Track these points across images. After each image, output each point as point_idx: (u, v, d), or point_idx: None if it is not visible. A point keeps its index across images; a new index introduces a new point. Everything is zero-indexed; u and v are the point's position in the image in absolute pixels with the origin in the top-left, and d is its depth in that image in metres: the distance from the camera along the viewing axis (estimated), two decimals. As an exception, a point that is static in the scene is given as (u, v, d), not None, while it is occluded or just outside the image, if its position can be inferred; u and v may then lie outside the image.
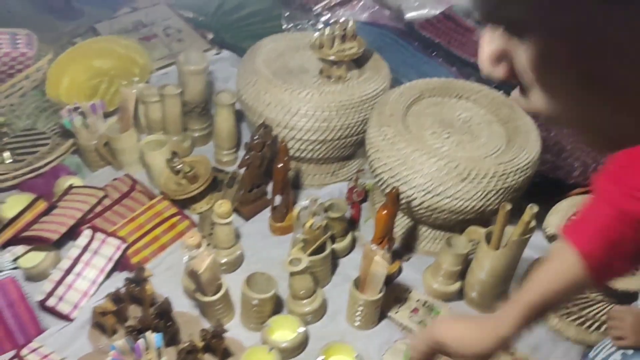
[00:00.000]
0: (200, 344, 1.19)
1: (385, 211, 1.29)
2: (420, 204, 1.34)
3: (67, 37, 2.18)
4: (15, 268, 1.25)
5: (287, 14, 2.22)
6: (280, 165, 1.46)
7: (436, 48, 2.02)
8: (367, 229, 1.57)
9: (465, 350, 0.81)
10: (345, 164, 1.71)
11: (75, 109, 1.62)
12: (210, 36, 2.21)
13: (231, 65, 2.12)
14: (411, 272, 1.47)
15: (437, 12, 2.14)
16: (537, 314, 0.79)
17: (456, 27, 2.09)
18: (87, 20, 2.31)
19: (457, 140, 1.42)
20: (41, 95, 1.81)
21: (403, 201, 1.35)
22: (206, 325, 1.31)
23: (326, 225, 1.39)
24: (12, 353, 1.23)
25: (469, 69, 1.91)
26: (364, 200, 1.64)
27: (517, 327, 0.78)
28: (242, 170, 1.55)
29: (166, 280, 1.41)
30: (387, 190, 1.32)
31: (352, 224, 1.57)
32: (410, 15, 2.17)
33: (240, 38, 2.24)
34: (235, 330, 1.31)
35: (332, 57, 1.56)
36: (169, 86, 1.68)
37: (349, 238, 1.50)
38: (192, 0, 2.41)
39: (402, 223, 1.48)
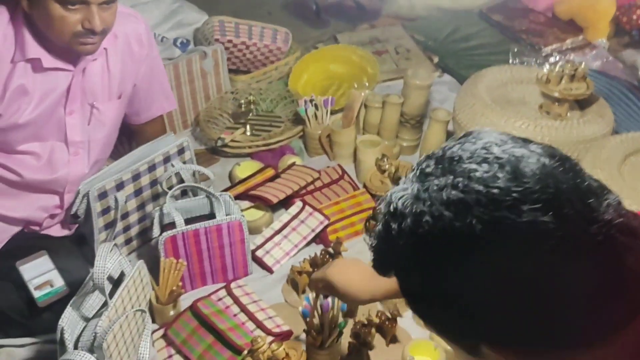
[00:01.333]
0: (376, 321, 1.31)
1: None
2: None
3: (312, 41, 2.50)
4: (241, 215, 1.50)
5: (516, 49, 2.27)
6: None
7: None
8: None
9: (346, 295, 1.05)
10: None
11: (311, 100, 1.87)
12: (435, 59, 2.35)
13: (449, 89, 2.24)
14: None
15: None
16: None
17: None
18: (331, 30, 2.61)
19: (675, 199, 1.35)
20: (284, 85, 2.11)
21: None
22: (380, 308, 1.43)
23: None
24: (222, 284, 1.48)
25: None
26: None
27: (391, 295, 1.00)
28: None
29: (353, 263, 1.57)
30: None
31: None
32: (646, 71, 2.09)
33: (462, 66, 2.35)
34: (407, 321, 1.41)
35: (556, 94, 1.58)
36: (392, 95, 1.86)
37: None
38: (425, 25, 2.59)
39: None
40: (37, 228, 1.49)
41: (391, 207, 0.58)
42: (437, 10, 2.65)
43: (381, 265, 0.63)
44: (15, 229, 1.47)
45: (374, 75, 2.15)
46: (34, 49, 1.29)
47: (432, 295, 0.58)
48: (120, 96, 1.46)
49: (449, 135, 1.85)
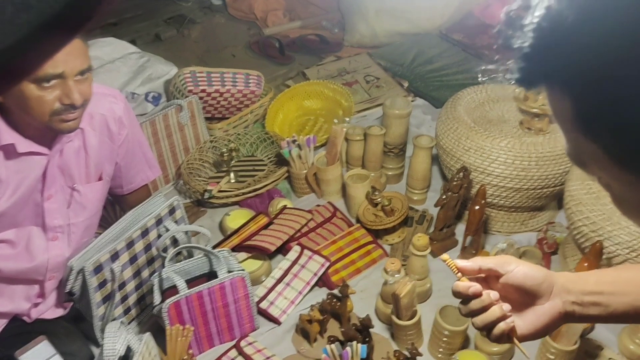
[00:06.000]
0: (395, 362, 1.29)
1: (586, 264, 1.30)
2: (623, 262, 1.33)
3: (280, 79, 2.50)
4: (242, 270, 1.46)
5: (483, 67, 2.32)
6: (477, 207, 1.54)
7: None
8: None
9: None
10: (536, 215, 1.73)
11: (293, 141, 1.86)
12: (405, 84, 2.38)
13: (423, 112, 2.27)
14: (603, 330, 1.44)
15: None
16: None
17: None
18: (297, 65, 2.62)
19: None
20: (261, 127, 2.09)
21: (604, 257, 1.35)
22: (394, 347, 1.41)
23: (519, 270, 1.42)
24: (232, 343, 1.44)
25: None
26: (554, 252, 1.64)
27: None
28: (435, 210, 1.65)
29: (359, 301, 1.54)
30: (585, 244, 1.33)
31: (542, 273, 1.58)
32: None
33: (432, 88, 2.39)
34: (423, 357, 1.39)
35: (535, 110, 1.61)
36: (373, 127, 1.86)
37: (539, 287, 1.51)
38: (390, 51, 2.62)
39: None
40: (26, 319, 1.41)
41: None
42: (398, 36, 2.69)
43: (546, 64, 0.45)
44: (3, 321, 1.39)
45: (349, 107, 2.16)
46: (7, 135, 1.22)
47: None
48: (101, 177, 1.40)
49: (434, 159, 1.87)
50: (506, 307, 0.74)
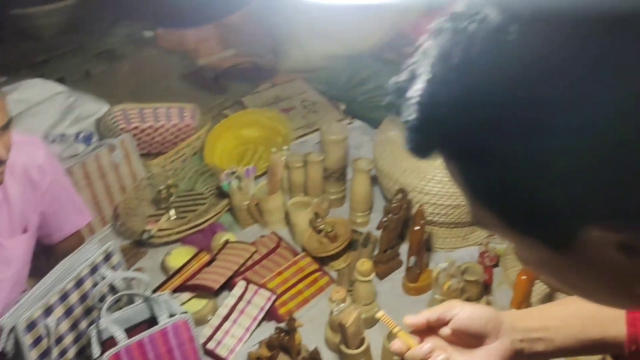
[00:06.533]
0: (347, 393, 1.27)
1: (524, 276, 1.33)
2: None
3: (217, 109, 2.48)
4: (184, 312, 1.42)
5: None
6: (417, 228, 1.56)
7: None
8: (499, 294, 1.60)
9: None
10: (476, 229, 1.76)
11: (232, 173, 1.83)
12: (342, 107, 2.40)
13: (362, 133, 2.29)
14: None
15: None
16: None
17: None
18: (233, 94, 2.60)
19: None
20: (200, 160, 2.06)
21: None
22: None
23: (463, 288, 1.45)
24: (179, 389, 1.39)
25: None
26: (496, 265, 1.68)
27: None
28: (378, 231, 1.66)
29: (308, 332, 1.53)
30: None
31: (486, 287, 1.61)
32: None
33: (368, 109, 2.41)
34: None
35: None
36: (312, 154, 1.86)
37: (483, 302, 1.54)
38: (324, 75, 2.64)
39: (538, 289, 1.50)
40: None
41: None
42: (332, 59, 2.72)
43: (430, 138, 0.46)
44: None
45: (287, 134, 2.15)
46: None
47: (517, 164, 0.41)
48: (26, 229, 1.34)
49: (374, 180, 1.88)
50: (427, 347, 0.77)
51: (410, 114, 0.45)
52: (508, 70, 0.40)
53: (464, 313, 0.76)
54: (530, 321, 0.78)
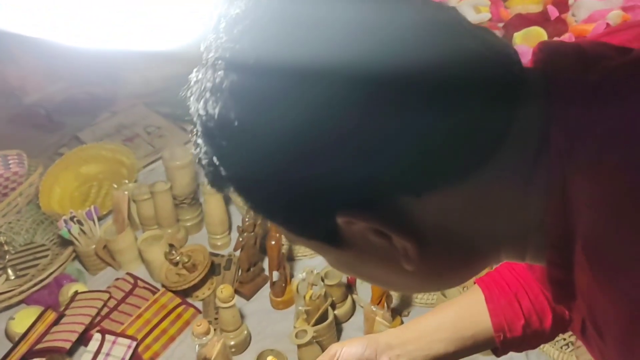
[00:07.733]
0: None
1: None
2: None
3: (53, 148, 2.29)
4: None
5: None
6: (273, 242, 1.54)
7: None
8: (363, 290, 1.63)
9: None
10: (334, 231, 1.79)
11: (72, 218, 1.70)
12: (189, 127, 2.33)
13: (212, 152, 2.23)
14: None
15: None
16: None
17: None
18: (70, 129, 2.42)
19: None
20: (36, 209, 1.89)
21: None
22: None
23: (325, 294, 1.46)
24: None
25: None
26: (357, 262, 1.72)
27: None
28: (238, 252, 1.63)
29: (179, 372, 1.46)
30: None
31: (349, 287, 1.63)
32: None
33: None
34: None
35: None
36: (158, 183, 1.78)
37: (348, 302, 1.56)
38: (167, 97, 2.55)
39: (396, 280, 1.56)
40: None
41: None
42: (172, 79, 2.62)
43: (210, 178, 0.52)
44: None
45: (131, 165, 2.04)
46: None
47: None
48: None
49: (227, 199, 1.84)
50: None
51: (198, 151, 0.52)
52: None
53: (344, 353, 0.82)
54: (406, 335, 0.82)
